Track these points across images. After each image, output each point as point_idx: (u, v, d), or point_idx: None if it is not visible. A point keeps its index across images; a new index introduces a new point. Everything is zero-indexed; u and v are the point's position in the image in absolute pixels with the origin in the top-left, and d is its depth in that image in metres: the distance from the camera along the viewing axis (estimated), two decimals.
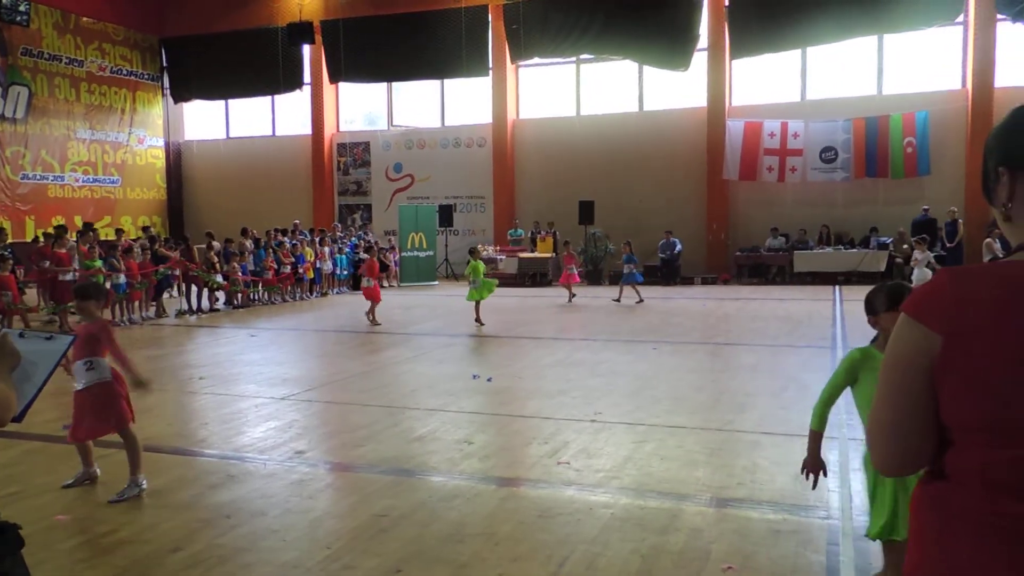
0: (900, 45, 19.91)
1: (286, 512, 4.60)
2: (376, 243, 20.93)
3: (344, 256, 19.35)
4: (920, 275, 13.51)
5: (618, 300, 15.47)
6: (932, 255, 14.51)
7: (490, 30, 22.19)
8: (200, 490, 5.02)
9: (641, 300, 15.31)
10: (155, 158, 25.71)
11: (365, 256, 20.24)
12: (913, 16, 18.42)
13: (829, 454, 5.45)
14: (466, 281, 13.00)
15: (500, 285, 13.64)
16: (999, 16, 18.36)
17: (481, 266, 12.80)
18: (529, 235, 21.63)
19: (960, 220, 17.87)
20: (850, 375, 3.19)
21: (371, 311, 13.16)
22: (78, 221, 21.70)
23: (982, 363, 1.31)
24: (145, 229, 19.59)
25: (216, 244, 16.50)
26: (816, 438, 3.30)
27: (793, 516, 4.39)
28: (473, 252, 13.16)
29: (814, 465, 3.28)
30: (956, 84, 19.56)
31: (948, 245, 17.80)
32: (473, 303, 12.58)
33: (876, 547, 3.94)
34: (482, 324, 12.37)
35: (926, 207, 18.31)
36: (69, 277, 13.08)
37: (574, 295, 16.06)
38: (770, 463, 5.34)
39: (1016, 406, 1.28)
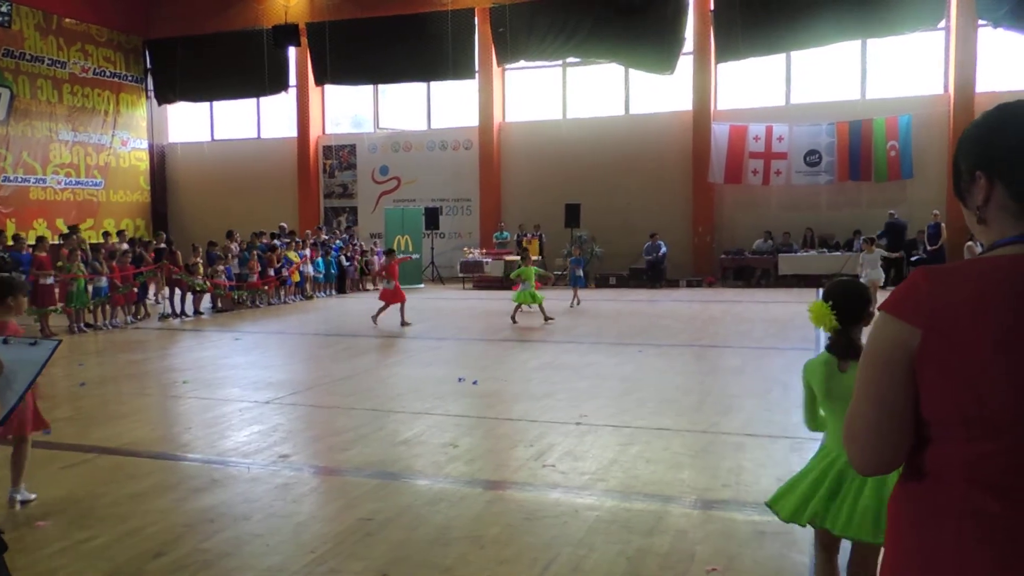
0: (883, 50, 20.09)
1: (270, 516, 4.57)
2: (362, 246, 20.89)
3: (321, 260, 19.15)
4: (870, 276, 13.04)
5: (573, 304, 15.42)
6: (882, 254, 13.91)
7: (476, 33, 22.20)
8: (183, 494, 4.99)
9: (574, 305, 15.33)
10: (139, 160, 25.50)
11: (348, 260, 20.27)
12: (896, 21, 18.59)
13: (811, 456, 5.47)
14: (460, 285, 13.05)
15: (487, 287, 13.65)
16: (980, 22, 18.54)
17: (530, 271, 13.11)
18: (515, 238, 21.63)
19: (942, 223, 18.03)
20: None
21: (390, 310, 13.13)
22: (61, 224, 21.53)
23: (960, 357, 1.32)
24: (122, 234, 19.32)
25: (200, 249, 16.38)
26: None
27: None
28: (524, 258, 13.74)
29: None
30: (938, 89, 19.75)
31: (930, 248, 17.95)
32: (516, 303, 13.11)
33: None
34: (515, 322, 12.91)
35: (892, 211, 18.44)
36: (50, 281, 12.99)
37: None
38: (755, 465, 5.35)
39: (993, 400, 1.29)
